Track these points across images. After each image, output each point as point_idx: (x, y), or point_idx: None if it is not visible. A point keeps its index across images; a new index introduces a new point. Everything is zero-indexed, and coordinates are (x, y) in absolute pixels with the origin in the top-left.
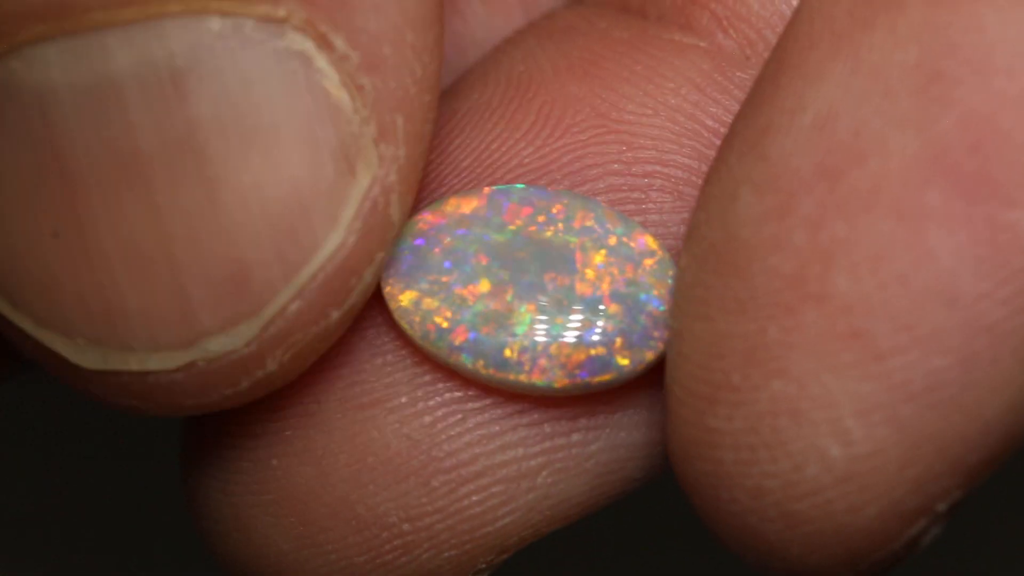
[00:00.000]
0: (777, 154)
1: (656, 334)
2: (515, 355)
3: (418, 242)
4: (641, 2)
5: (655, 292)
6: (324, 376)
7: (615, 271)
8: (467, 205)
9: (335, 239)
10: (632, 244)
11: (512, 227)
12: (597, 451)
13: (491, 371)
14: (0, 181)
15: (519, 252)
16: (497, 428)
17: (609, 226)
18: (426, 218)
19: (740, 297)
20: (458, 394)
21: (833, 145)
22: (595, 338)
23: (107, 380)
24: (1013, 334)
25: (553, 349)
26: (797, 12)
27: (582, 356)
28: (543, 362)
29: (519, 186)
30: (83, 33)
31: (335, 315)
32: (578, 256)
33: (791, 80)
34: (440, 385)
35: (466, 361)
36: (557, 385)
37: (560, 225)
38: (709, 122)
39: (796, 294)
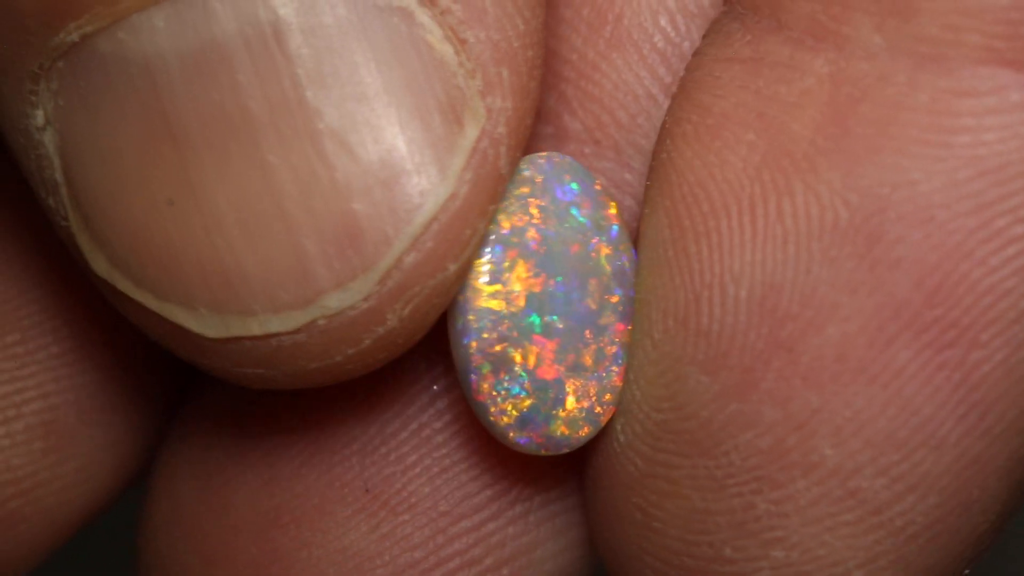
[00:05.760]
0: (719, 331)
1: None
2: (489, 389)
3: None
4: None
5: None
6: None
7: (592, 393)
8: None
9: (446, 190)
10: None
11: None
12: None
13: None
14: (114, 155)
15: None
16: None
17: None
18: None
19: (715, 475)
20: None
21: (781, 317)
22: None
23: (231, 349)
24: (993, 460)
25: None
26: (670, 170)
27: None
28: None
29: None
30: None
31: (452, 267)
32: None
33: (705, 250)
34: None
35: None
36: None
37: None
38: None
39: (779, 466)
